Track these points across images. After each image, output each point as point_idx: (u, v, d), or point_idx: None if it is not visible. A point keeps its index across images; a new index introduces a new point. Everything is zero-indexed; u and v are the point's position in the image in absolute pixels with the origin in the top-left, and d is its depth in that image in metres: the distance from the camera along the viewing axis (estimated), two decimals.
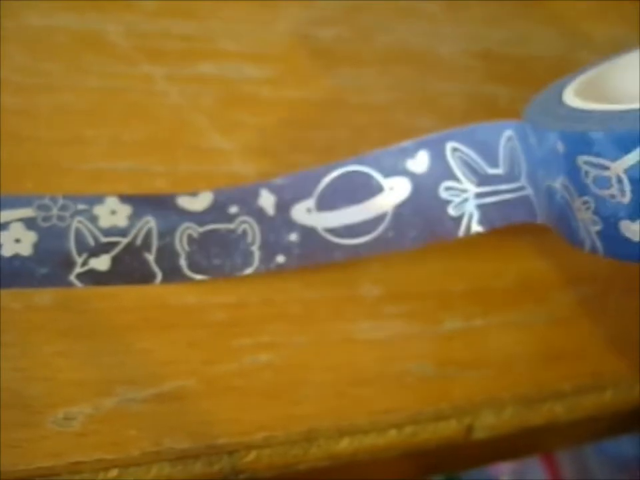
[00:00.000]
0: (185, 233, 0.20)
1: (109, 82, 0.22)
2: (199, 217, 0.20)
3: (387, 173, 0.20)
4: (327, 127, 0.24)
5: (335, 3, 0.25)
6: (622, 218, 0.16)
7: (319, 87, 0.24)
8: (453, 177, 0.20)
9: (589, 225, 0.17)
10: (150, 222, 0.20)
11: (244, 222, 0.20)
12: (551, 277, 0.24)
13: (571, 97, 0.19)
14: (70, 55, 0.22)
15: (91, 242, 0.19)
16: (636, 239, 0.16)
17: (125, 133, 0.22)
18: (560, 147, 0.17)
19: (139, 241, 0.20)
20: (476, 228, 0.20)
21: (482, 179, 0.20)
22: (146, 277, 0.20)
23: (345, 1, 0.26)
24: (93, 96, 0.22)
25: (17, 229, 0.19)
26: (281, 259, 0.20)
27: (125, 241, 0.20)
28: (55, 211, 0.19)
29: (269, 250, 0.20)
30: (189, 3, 0.24)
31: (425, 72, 0.25)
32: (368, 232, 0.21)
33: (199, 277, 0.20)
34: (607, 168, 0.16)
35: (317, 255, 0.21)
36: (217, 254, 0.20)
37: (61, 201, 0.19)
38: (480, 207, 0.20)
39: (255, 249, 0.20)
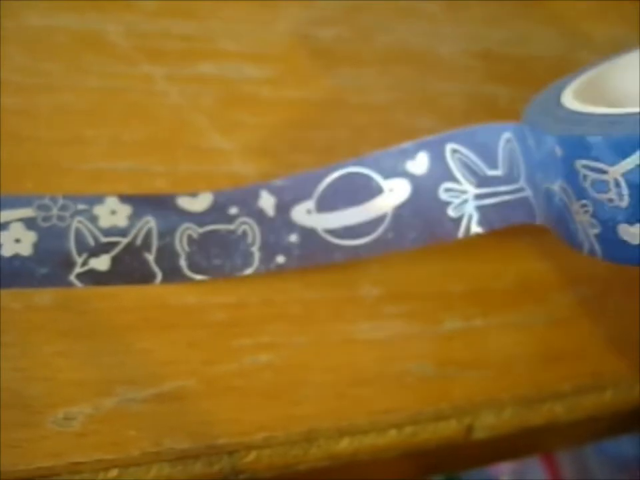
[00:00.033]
0: (185, 233, 0.20)
1: (109, 82, 0.22)
2: (198, 218, 0.20)
3: (387, 175, 0.20)
4: (327, 127, 0.24)
5: (334, 3, 0.25)
6: (620, 221, 0.16)
7: (319, 87, 0.24)
8: (453, 179, 0.20)
9: (587, 227, 0.17)
10: (150, 222, 0.20)
11: (244, 223, 0.20)
12: (550, 278, 0.24)
13: (570, 99, 0.19)
14: (70, 55, 0.22)
15: (91, 242, 0.19)
16: (634, 242, 0.16)
17: (125, 133, 0.22)
18: (558, 150, 0.17)
19: (138, 241, 0.20)
20: (475, 229, 0.20)
21: (481, 181, 0.20)
22: (146, 277, 0.20)
23: (345, 1, 0.26)
24: (93, 96, 0.22)
25: (17, 229, 0.19)
26: (280, 259, 0.20)
27: (124, 241, 0.20)
28: (55, 211, 0.19)
29: (268, 251, 0.20)
30: (188, 3, 0.24)
31: (425, 72, 0.25)
32: (368, 233, 0.21)
33: (198, 277, 0.20)
34: (605, 172, 0.16)
35: (316, 256, 0.21)
36: (216, 254, 0.20)
37: (60, 201, 0.19)
38: (479, 208, 0.20)
39: (255, 249, 0.20)
